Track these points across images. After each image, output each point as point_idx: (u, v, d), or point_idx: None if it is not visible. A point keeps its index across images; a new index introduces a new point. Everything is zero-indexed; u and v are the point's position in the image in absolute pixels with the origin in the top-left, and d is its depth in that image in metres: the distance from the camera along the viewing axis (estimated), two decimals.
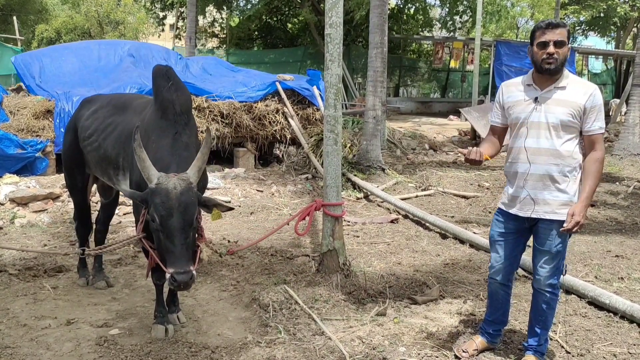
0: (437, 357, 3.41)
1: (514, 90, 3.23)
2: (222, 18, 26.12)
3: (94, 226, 4.76)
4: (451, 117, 19.18)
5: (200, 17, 23.37)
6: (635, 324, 3.83)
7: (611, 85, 27.83)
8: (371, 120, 9.74)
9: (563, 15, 23.57)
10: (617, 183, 9.49)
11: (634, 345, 3.57)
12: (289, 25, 26.38)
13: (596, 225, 6.79)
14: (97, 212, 4.97)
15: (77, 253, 3.85)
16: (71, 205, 5.78)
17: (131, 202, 5.14)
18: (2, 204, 6.67)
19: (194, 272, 3.12)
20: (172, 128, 3.46)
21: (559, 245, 3.09)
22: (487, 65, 24.24)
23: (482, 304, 4.18)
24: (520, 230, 3.25)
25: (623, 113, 16.02)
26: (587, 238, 6.09)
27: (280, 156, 10.19)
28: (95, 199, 6.15)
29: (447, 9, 24.16)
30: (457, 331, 3.75)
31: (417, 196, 8.18)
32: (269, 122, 9.69)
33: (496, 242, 3.32)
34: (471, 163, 3.14)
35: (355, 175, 8.81)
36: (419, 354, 3.42)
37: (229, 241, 5.78)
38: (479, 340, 3.46)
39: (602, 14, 24.44)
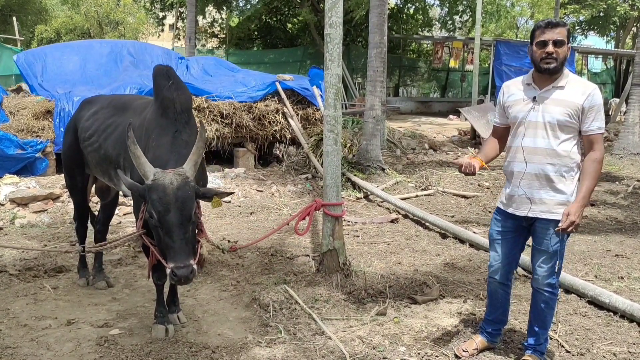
0: (437, 356, 3.41)
1: (514, 89, 3.23)
2: (221, 18, 26.13)
3: (96, 226, 4.76)
4: (451, 116, 19.19)
5: (199, 18, 23.38)
6: (635, 323, 3.83)
7: (611, 84, 27.84)
8: (371, 120, 9.74)
9: (563, 15, 23.58)
10: (617, 182, 9.50)
11: (634, 344, 3.57)
12: (289, 25, 26.38)
13: (596, 224, 6.80)
14: (96, 213, 4.98)
15: (78, 251, 3.85)
16: (71, 205, 5.78)
17: (131, 202, 5.14)
18: (2, 205, 6.68)
19: (195, 266, 3.11)
20: (172, 126, 3.47)
21: (557, 245, 3.08)
22: (486, 65, 24.24)
23: (482, 303, 4.19)
24: (519, 229, 3.25)
25: (623, 112, 16.02)
26: (586, 237, 6.10)
27: (280, 156, 10.19)
28: (96, 199, 6.15)
29: (446, 9, 24.17)
30: (457, 331, 3.75)
31: (417, 196, 8.18)
32: (269, 122, 9.69)
33: (495, 241, 3.33)
34: (465, 174, 3.15)
35: (355, 175, 8.82)
36: (419, 354, 3.42)
37: (229, 241, 5.79)
38: (479, 340, 3.47)
39: (601, 14, 24.44)
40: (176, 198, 3.07)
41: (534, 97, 3.10)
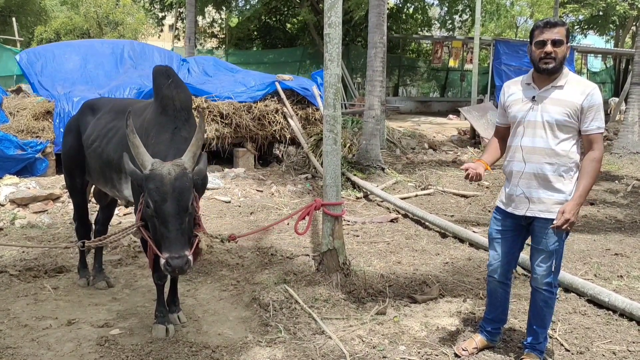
0: (437, 355, 3.42)
1: (514, 89, 3.24)
2: (221, 18, 26.13)
3: (93, 227, 4.77)
4: (450, 116, 19.20)
5: (199, 18, 23.37)
6: (634, 322, 3.84)
7: (610, 83, 27.86)
8: (370, 119, 9.75)
9: (562, 14, 23.59)
10: (617, 181, 9.50)
11: (633, 343, 3.58)
12: (288, 26, 26.39)
13: (595, 223, 6.80)
14: (96, 213, 4.99)
15: (78, 246, 3.84)
16: (71, 206, 5.79)
17: (132, 209, 5.12)
18: (3, 205, 6.68)
19: (190, 257, 3.10)
20: (171, 123, 3.47)
21: (556, 244, 3.09)
22: (486, 65, 24.24)
23: (481, 302, 4.19)
24: (518, 229, 3.26)
25: (622, 111, 16.02)
26: (586, 236, 6.10)
27: (280, 156, 10.20)
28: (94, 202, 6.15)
29: (446, 8, 24.17)
30: (457, 330, 3.76)
31: (416, 195, 8.19)
32: (269, 122, 9.70)
33: (494, 240, 3.33)
34: (471, 181, 3.17)
35: (354, 174, 8.82)
36: (419, 353, 3.43)
37: (229, 241, 5.78)
38: (479, 339, 3.47)
39: (601, 13, 24.44)
40: (173, 188, 3.06)
41: (533, 97, 3.10)
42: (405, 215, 6.99)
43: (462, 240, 5.87)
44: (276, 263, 5.10)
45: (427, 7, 24.92)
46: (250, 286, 4.50)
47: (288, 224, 6.51)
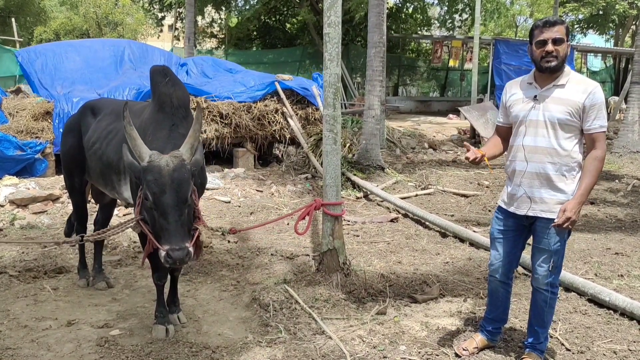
0: (437, 355, 3.41)
1: (516, 89, 3.23)
2: (220, 18, 26.13)
3: (95, 227, 4.76)
4: (450, 115, 19.21)
5: (198, 18, 23.37)
6: (635, 321, 3.83)
7: (610, 82, 27.86)
8: (370, 119, 9.74)
9: (562, 13, 23.59)
10: (617, 181, 9.50)
11: (634, 342, 3.57)
12: (288, 25, 26.40)
13: (596, 222, 6.80)
14: (95, 214, 4.98)
15: (76, 240, 3.83)
16: (71, 206, 5.78)
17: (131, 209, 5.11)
18: (2, 206, 6.68)
19: (190, 249, 3.09)
20: (169, 120, 3.47)
21: (557, 244, 3.07)
22: (486, 64, 24.26)
23: (482, 302, 4.19)
24: (520, 228, 3.25)
25: (622, 111, 16.02)
26: (586, 235, 6.10)
27: (280, 156, 10.20)
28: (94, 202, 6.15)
29: (446, 8, 24.17)
30: (458, 329, 3.75)
31: (416, 195, 8.18)
32: (268, 122, 9.69)
33: (496, 239, 3.33)
34: (471, 161, 3.15)
35: (354, 174, 8.82)
36: (419, 353, 3.42)
37: (229, 241, 5.79)
38: (479, 338, 3.47)
39: (600, 12, 24.44)
40: (172, 179, 3.05)
41: (535, 96, 3.10)
42: (405, 215, 6.98)
43: (462, 239, 5.86)
44: (276, 263, 5.10)
45: (426, 6, 24.95)
46: (250, 286, 4.50)
47: (288, 223, 6.51)
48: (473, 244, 5.69)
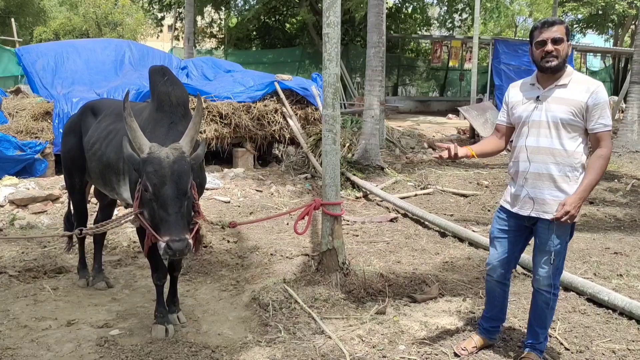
0: (436, 355, 3.42)
1: (519, 90, 3.24)
2: (220, 19, 26.13)
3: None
4: (450, 115, 19.21)
5: (198, 18, 23.37)
6: (634, 321, 3.84)
7: (609, 82, 27.86)
8: (370, 119, 9.75)
9: (561, 13, 23.61)
10: (616, 180, 9.50)
11: (633, 341, 3.58)
12: (287, 26, 26.40)
13: (595, 222, 6.81)
14: (95, 214, 4.98)
15: (75, 234, 3.83)
16: (71, 206, 5.79)
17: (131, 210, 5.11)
18: (2, 206, 6.68)
19: (190, 240, 3.09)
20: (167, 118, 3.48)
21: (558, 246, 3.06)
22: (485, 64, 24.26)
23: (481, 301, 4.19)
24: (521, 229, 3.24)
25: (622, 110, 16.03)
26: (585, 235, 6.10)
27: (279, 156, 10.20)
28: (95, 200, 6.15)
29: (445, 7, 24.17)
30: (457, 329, 3.76)
31: (416, 195, 8.19)
32: (268, 122, 9.70)
33: (495, 239, 3.32)
34: (449, 158, 3.15)
35: (354, 174, 8.82)
36: (418, 352, 3.43)
37: (228, 241, 5.79)
38: (477, 338, 3.47)
39: (600, 12, 24.47)
40: (172, 171, 3.06)
41: (537, 97, 3.10)
42: (404, 215, 6.99)
43: (461, 239, 5.87)
44: (276, 263, 5.10)
45: (426, 6, 24.93)
46: (249, 286, 4.50)
47: (287, 223, 6.51)
48: (472, 243, 5.70)
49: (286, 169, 9.55)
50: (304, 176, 9.13)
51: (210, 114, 9.12)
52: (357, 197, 8.08)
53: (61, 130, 7.84)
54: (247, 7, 24.15)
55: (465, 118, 14.62)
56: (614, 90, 25.90)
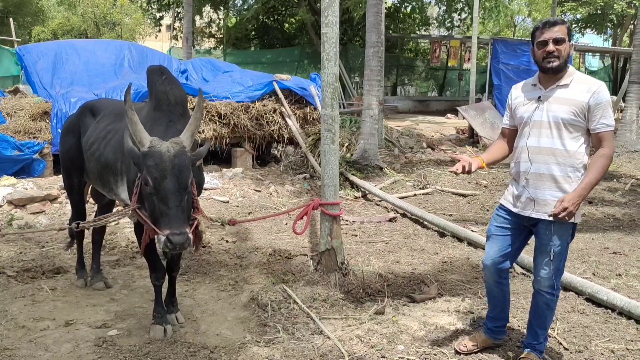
0: (435, 355, 3.41)
1: (521, 91, 3.23)
2: (219, 18, 26.11)
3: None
4: (449, 115, 19.21)
5: (197, 18, 23.35)
6: (633, 320, 3.84)
7: (608, 82, 27.86)
8: (369, 119, 9.74)
9: (560, 13, 23.61)
10: (615, 180, 9.50)
11: (632, 341, 3.58)
12: (286, 25, 26.40)
13: (594, 222, 6.81)
14: (93, 214, 4.97)
15: (73, 227, 3.81)
16: (69, 207, 5.78)
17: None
18: (0, 206, 6.67)
19: (190, 235, 3.08)
20: (165, 117, 3.47)
21: (559, 247, 3.05)
22: (484, 64, 24.26)
23: (480, 301, 4.19)
24: (520, 228, 3.22)
25: (620, 110, 16.05)
26: (584, 235, 6.10)
27: (278, 156, 10.18)
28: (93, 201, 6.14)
29: (444, 7, 24.16)
30: (456, 329, 3.75)
31: (415, 195, 8.19)
32: (267, 122, 9.69)
33: (493, 235, 3.29)
34: (463, 173, 3.13)
35: (353, 174, 8.81)
36: (417, 352, 3.42)
37: (227, 241, 5.79)
38: (481, 337, 3.44)
39: (598, 11, 24.49)
40: (172, 165, 3.05)
41: (539, 97, 3.09)
42: (403, 215, 6.98)
43: (460, 239, 5.86)
44: (274, 263, 5.09)
45: (425, 6, 24.92)
46: (248, 286, 4.50)
47: (286, 223, 6.51)
48: (471, 243, 5.69)
49: (285, 168, 9.54)
50: (302, 176, 9.12)
51: (209, 114, 9.12)
52: (356, 197, 8.07)
53: (59, 130, 7.84)
54: (245, 7, 24.16)
55: (464, 118, 14.62)
56: (613, 90, 25.90)
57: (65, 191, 5.45)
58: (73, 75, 9.83)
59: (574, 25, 27.05)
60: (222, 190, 8.01)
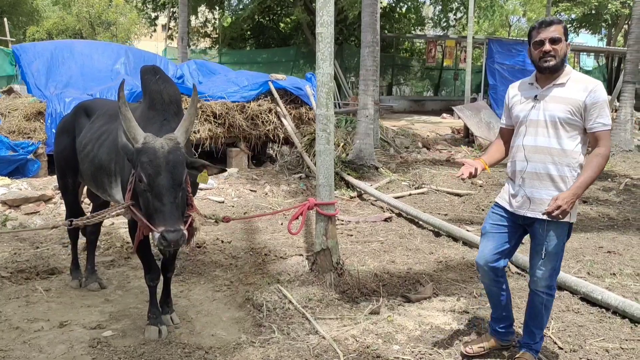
0: (430, 354, 3.42)
1: (518, 90, 3.23)
2: (214, 18, 26.07)
3: (87, 228, 4.73)
4: (444, 115, 19.24)
5: (192, 17, 23.30)
6: (627, 320, 3.85)
7: (603, 82, 27.87)
8: (364, 119, 9.75)
9: (555, 13, 23.69)
10: (609, 180, 9.54)
11: (626, 340, 3.59)
12: (282, 25, 26.38)
13: (588, 221, 6.83)
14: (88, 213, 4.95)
15: (66, 225, 3.79)
16: (63, 207, 5.76)
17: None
18: None
19: (184, 232, 3.07)
20: (160, 116, 3.46)
21: (555, 247, 3.05)
22: (479, 63, 24.31)
23: (475, 301, 4.20)
24: (515, 226, 3.21)
25: (615, 110, 16.11)
26: (579, 234, 6.12)
27: (274, 156, 10.18)
28: (88, 200, 6.12)
29: (440, 7, 24.18)
30: (451, 329, 3.76)
31: (410, 194, 8.20)
32: (262, 121, 9.67)
33: (487, 233, 3.27)
34: (469, 178, 3.15)
35: (348, 174, 8.82)
36: (412, 352, 3.43)
37: (222, 241, 5.78)
38: (489, 339, 3.41)
39: (593, 11, 24.57)
40: (167, 161, 3.04)
41: (535, 96, 3.09)
42: (399, 215, 6.99)
43: (455, 239, 5.87)
44: (269, 263, 5.09)
45: (420, 6, 24.95)
46: (243, 287, 4.49)
47: (282, 223, 6.50)
48: (466, 243, 5.70)
49: (280, 168, 9.54)
50: (298, 176, 9.12)
51: (204, 114, 9.10)
52: (351, 197, 8.08)
53: (54, 131, 7.79)
54: (241, 7, 24.10)
55: (459, 117, 14.64)
56: (608, 89, 25.94)
57: (59, 191, 5.42)
58: (69, 79, 9.82)
59: (568, 25, 27.12)
60: (218, 190, 8.00)
